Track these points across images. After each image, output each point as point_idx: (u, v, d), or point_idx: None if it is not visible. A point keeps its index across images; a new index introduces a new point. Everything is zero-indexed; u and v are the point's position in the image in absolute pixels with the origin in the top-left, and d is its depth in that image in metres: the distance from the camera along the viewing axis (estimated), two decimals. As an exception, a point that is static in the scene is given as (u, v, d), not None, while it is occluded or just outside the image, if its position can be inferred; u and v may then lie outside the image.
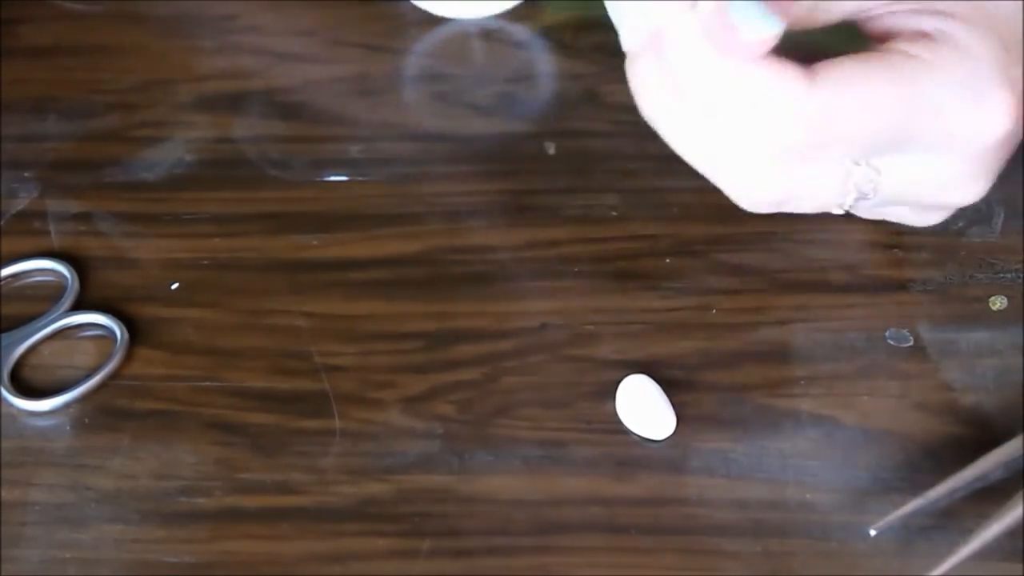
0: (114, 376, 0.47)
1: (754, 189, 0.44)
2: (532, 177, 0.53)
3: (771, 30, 0.40)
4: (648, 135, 0.43)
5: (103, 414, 0.46)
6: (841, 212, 0.45)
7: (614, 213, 0.51)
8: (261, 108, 0.56)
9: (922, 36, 0.42)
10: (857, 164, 0.43)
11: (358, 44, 0.59)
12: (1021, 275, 0.48)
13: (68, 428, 0.46)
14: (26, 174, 0.53)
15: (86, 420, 0.46)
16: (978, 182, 0.43)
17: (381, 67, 0.58)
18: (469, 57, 0.57)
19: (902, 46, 0.42)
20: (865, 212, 0.46)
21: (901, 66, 0.41)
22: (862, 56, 0.41)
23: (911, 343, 0.47)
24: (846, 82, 0.41)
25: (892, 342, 0.47)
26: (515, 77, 0.56)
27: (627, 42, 0.43)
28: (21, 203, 0.53)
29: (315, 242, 0.51)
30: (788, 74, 0.40)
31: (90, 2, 0.60)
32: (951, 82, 0.41)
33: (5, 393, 0.46)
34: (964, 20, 0.42)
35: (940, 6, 0.42)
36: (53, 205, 0.52)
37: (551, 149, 0.53)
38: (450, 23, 0.58)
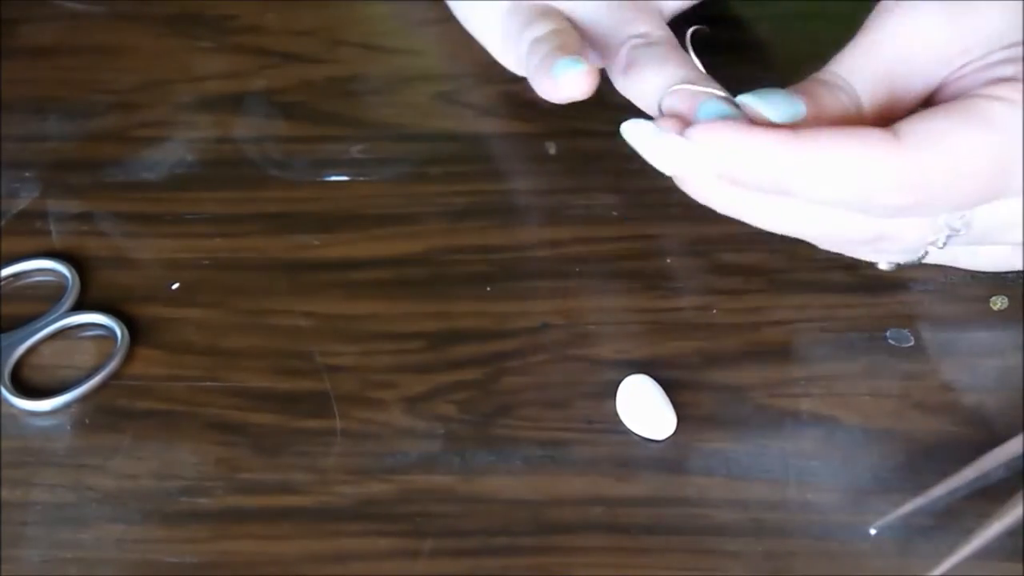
0: (115, 376, 0.47)
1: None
2: (532, 177, 0.53)
3: (797, 113, 0.39)
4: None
5: (104, 414, 0.46)
6: (929, 256, 0.44)
7: (614, 213, 0.51)
8: (261, 108, 0.56)
9: (1002, 81, 0.40)
10: (947, 224, 0.42)
11: (358, 44, 0.59)
12: (1021, 275, 0.48)
13: (69, 428, 0.46)
14: (27, 174, 0.54)
15: (87, 420, 0.46)
16: None
17: (381, 67, 0.58)
18: (469, 57, 0.57)
19: (984, 91, 0.40)
20: (955, 259, 0.46)
21: (988, 112, 0.40)
22: (942, 108, 0.40)
23: (912, 343, 0.47)
24: (934, 139, 0.39)
25: (893, 342, 0.47)
26: (515, 77, 0.56)
27: (665, 170, 0.42)
28: (22, 203, 0.53)
29: (316, 242, 0.51)
30: (868, 134, 0.39)
31: (90, 2, 0.61)
32: None
33: (6, 393, 0.46)
34: None
35: (1012, 53, 0.41)
36: (54, 205, 0.52)
37: (551, 149, 0.53)
38: (450, 23, 0.58)
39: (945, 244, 0.43)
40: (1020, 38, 0.41)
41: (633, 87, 0.46)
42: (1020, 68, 0.40)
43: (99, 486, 0.44)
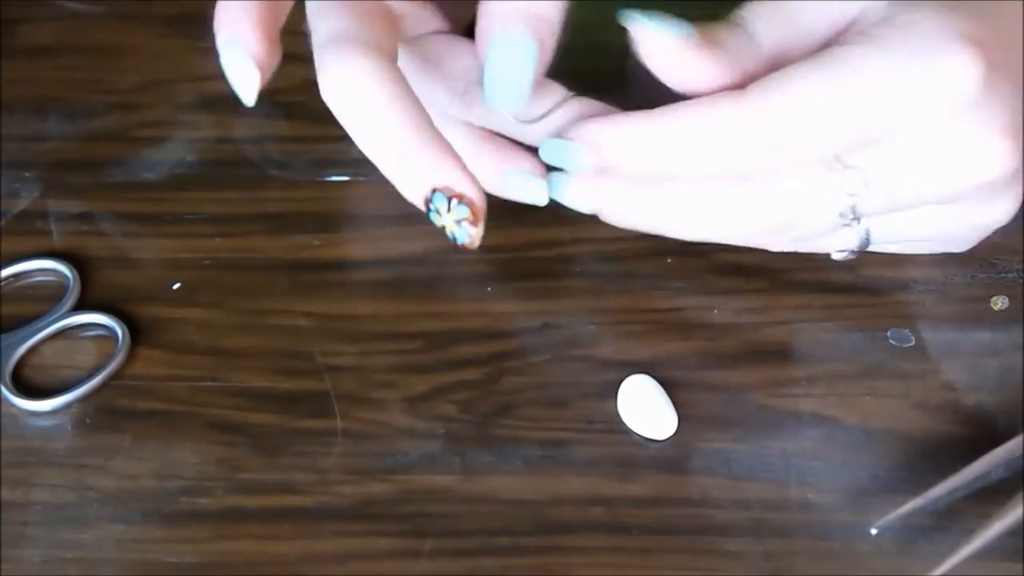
0: (115, 376, 0.47)
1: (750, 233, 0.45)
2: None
3: (685, 33, 0.41)
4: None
5: (104, 414, 0.46)
6: (860, 241, 0.45)
7: (615, 213, 0.51)
8: (262, 108, 0.56)
9: (867, 26, 0.42)
10: (832, 170, 0.42)
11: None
12: (1022, 275, 0.48)
13: (69, 428, 0.46)
14: (27, 174, 0.53)
15: (87, 420, 0.46)
16: (984, 146, 0.42)
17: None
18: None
19: (840, 39, 0.42)
20: (890, 241, 0.46)
21: (840, 53, 0.41)
22: (801, 63, 0.41)
23: (912, 343, 0.47)
24: (779, 83, 0.41)
25: (893, 342, 0.47)
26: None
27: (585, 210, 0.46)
28: (22, 203, 0.53)
29: (316, 242, 0.51)
30: (719, 97, 0.41)
31: (91, 2, 0.60)
32: (901, 52, 0.40)
33: (6, 393, 0.46)
34: (898, 7, 0.42)
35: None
36: (54, 205, 0.52)
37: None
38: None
39: (857, 213, 0.43)
40: None
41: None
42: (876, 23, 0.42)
43: (99, 486, 0.44)
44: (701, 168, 0.43)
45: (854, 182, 0.43)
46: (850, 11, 0.43)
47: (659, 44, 0.42)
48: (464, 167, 0.41)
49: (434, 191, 0.41)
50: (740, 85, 0.42)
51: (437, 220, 0.42)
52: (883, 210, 0.44)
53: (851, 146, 0.42)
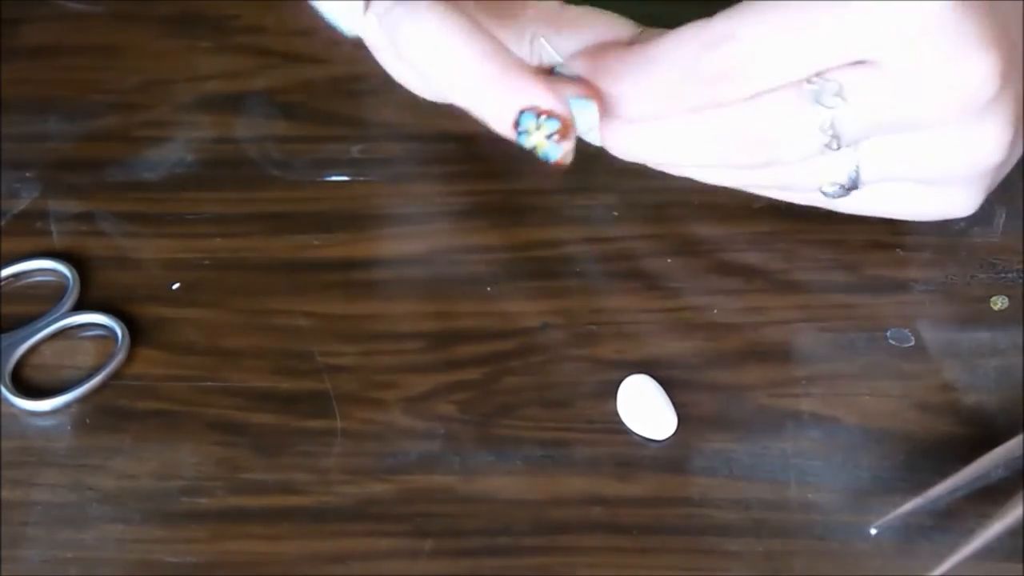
0: (115, 376, 0.47)
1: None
2: (532, 177, 0.53)
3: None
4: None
5: (104, 414, 0.46)
6: (849, 175, 0.44)
7: (614, 213, 0.51)
8: (262, 108, 0.56)
9: None
10: (808, 81, 0.42)
11: (358, 44, 0.59)
12: (1022, 275, 0.48)
13: (69, 428, 0.46)
14: (27, 174, 0.53)
15: (87, 420, 0.46)
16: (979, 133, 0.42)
17: (381, 67, 0.57)
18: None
19: None
20: (881, 178, 0.45)
21: None
22: None
23: (912, 343, 0.47)
24: (747, 6, 0.41)
25: (893, 342, 0.47)
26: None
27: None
28: (22, 203, 0.53)
29: (316, 242, 0.51)
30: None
31: (90, 2, 0.60)
32: None
33: (6, 393, 0.46)
34: None
35: None
36: (54, 205, 0.52)
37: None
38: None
39: (837, 131, 0.42)
40: None
41: None
42: None
43: (100, 486, 0.44)
44: (680, 101, 0.43)
45: (830, 94, 0.42)
46: None
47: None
48: (548, 84, 0.41)
49: (521, 112, 0.41)
50: None
51: (527, 141, 0.41)
52: (866, 130, 0.42)
53: (829, 64, 0.41)
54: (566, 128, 0.41)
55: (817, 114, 0.42)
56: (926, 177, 0.45)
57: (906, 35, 0.40)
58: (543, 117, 0.41)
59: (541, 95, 0.41)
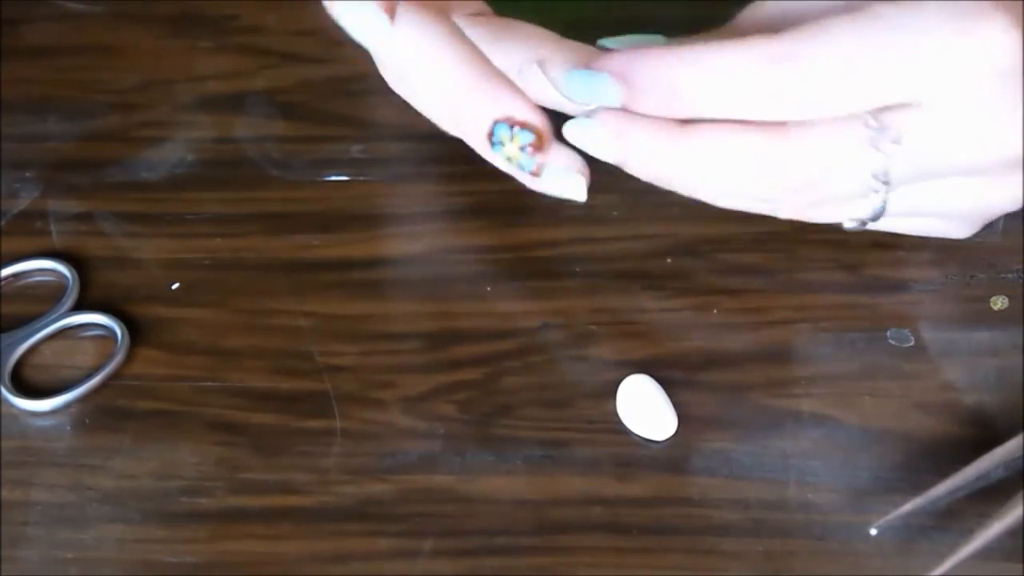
0: (115, 376, 0.47)
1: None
2: (532, 177, 0.53)
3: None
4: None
5: (104, 414, 0.46)
6: (875, 210, 0.44)
7: (614, 213, 0.51)
8: (261, 108, 0.56)
9: None
10: (867, 126, 0.41)
11: (358, 44, 0.59)
12: (1022, 275, 0.48)
13: (69, 428, 0.46)
14: (27, 174, 0.54)
15: (87, 420, 0.46)
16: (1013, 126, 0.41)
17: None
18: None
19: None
20: (904, 214, 0.45)
21: (876, 8, 0.40)
22: (837, 16, 0.41)
23: (912, 343, 0.47)
24: (811, 31, 0.40)
25: (893, 342, 0.47)
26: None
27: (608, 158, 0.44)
28: (22, 203, 0.53)
29: (316, 242, 0.51)
30: (751, 39, 0.40)
31: (90, 2, 0.61)
32: (942, 16, 0.40)
33: (6, 393, 0.46)
34: None
35: None
36: (54, 205, 0.52)
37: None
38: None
39: (888, 176, 0.42)
40: None
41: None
42: None
43: (99, 486, 0.44)
44: (729, 107, 0.41)
45: (889, 140, 0.41)
46: None
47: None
48: (525, 96, 0.41)
49: (495, 123, 0.41)
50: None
51: (501, 152, 0.41)
52: (914, 176, 0.43)
53: (885, 103, 0.41)
54: (540, 139, 0.41)
55: (872, 160, 0.42)
56: (948, 215, 0.46)
57: (968, 79, 0.40)
58: (516, 128, 0.41)
59: (516, 106, 0.40)
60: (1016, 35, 0.40)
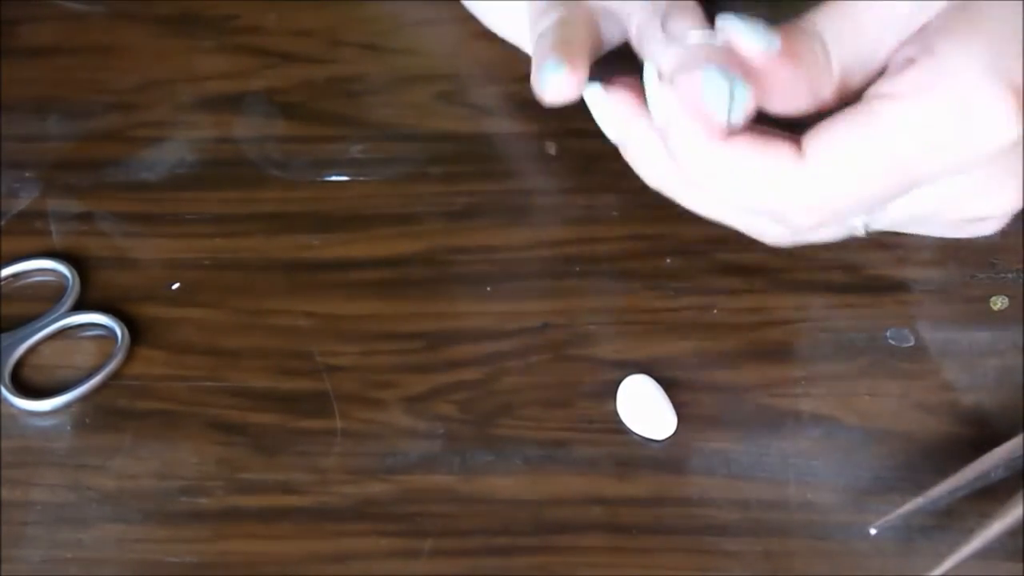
0: (115, 376, 0.47)
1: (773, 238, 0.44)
2: (532, 177, 0.53)
3: (744, 105, 0.39)
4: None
5: (104, 414, 0.46)
6: (861, 232, 0.44)
7: (614, 213, 0.51)
8: (261, 108, 0.56)
9: (907, 64, 0.40)
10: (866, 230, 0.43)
11: (358, 44, 0.59)
12: (1022, 275, 0.48)
13: (69, 428, 0.46)
14: (27, 174, 0.54)
15: (87, 420, 0.46)
16: (1005, 189, 0.42)
17: (381, 67, 0.58)
18: (469, 57, 0.57)
19: (884, 88, 0.40)
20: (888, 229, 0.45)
21: (882, 115, 0.39)
22: (845, 117, 0.40)
23: (912, 343, 0.47)
24: (836, 156, 0.40)
25: (893, 342, 0.47)
26: (515, 77, 0.56)
27: (610, 135, 0.44)
28: (22, 203, 0.53)
29: (316, 242, 0.51)
30: (777, 151, 0.40)
31: (90, 2, 0.60)
32: (940, 108, 0.39)
33: (6, 393, 0.46)
34: (944, 32, 0.40)
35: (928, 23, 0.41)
36: (54, 205, 0.52)
37: (551, 149, 0.53)
38: (450, 23, 0.58)
39: (869, 230, 0.43)
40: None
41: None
42: (921, 45, 0.40)
43: (99, 486, 0.44)
44: (741, 202, 0.42)
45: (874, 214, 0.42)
46: (915, 24, 0.41)
47: (747, 50, 0.40)
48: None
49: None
50: (807, 110, 0.41)
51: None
52: (895, 228, 0.44)
53: (888, 202, 0.42)
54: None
55: (855, 224, 0.43)
56: (940, 224, 0.46)
57: (968, 168, 0.41)
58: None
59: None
60: (1017, 123, 0.39)
